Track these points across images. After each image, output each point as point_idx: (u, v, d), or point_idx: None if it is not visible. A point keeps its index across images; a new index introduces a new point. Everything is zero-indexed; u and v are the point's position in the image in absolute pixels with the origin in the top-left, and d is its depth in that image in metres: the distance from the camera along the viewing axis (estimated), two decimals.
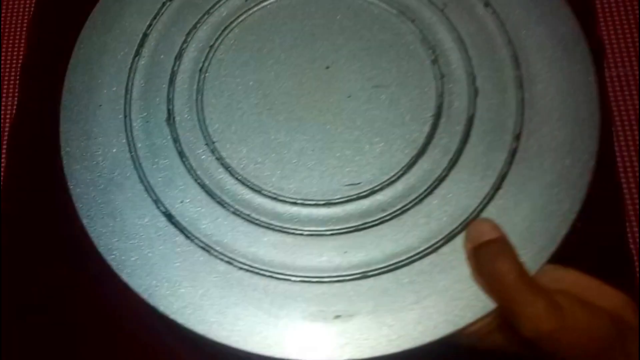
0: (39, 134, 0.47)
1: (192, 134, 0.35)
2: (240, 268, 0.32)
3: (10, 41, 0.51)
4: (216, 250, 0.32)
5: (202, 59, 0.37)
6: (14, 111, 0.49)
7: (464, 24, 0.36)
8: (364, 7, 0.37)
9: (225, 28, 0.37)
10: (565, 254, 0.43)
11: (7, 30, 0.52)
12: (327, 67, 0.36)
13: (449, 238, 0.32)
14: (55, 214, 0.45)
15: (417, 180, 0.33)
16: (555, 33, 0.36)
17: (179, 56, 0.37)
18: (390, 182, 0.33)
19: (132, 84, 0.37)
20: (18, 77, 0.50)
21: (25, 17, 0.52)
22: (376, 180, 0.33)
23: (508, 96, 0.34)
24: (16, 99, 0.49)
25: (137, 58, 0.37)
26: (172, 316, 0.31)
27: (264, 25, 0.37)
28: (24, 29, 0.51)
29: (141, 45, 0.37)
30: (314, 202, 0.33)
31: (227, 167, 0.34)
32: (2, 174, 0.47)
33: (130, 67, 0.37)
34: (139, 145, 0.35)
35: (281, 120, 0.35)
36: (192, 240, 0.33)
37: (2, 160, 0.48)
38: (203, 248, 0.32)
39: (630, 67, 0.46)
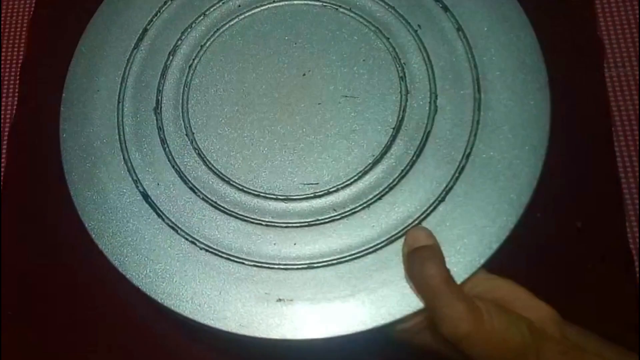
0: (39, 133, 0.47)
1: (174, 124, 0.39)
2: (202, 248, 0.36)
3: (10, 41, 0.51)
4: (182, 230, 0.36)
5: (193, 57, 0.40)
6: (14, 111, 0.49)
7: (434, 45, 0.39)
8: (345, 21, 0.41)
9: (217, 30, 0.41)
10: (566, 254, 0.43)
11: (7, 30, 0.52)
12: (304, 75, 0.39)
13: (390, 241, 0.35)
14: (55, 214, 0.45)
15: (369, 186, 0.36)
16: (519, 62, 0.38)
17: (172, 52, 0.41)
18: (345, 185, 0.36)
19: (128, 74, 0.40)
20: (18, 77, 0.50)
21: (25, 17, 0.52)
22: (332, 182, 0.37)
23: (465, 117, 0.37)
24: (16, 99, 0.49)
25: (135, 51, 0.41)
26: (138, 284, 0.35)
27: (252, 30, 0.41)
28: (24, 29, 0.51)
29: (140, 39, 0.41)
30: (274, 196, 0.37)
31: (202, 157, 0.38)
32: (2, 174, 0.47)
33: (129, 59, 0.41)
34: (127, 129, 0.39)
35: (255, 119, 0.38)
36: (162, 219, 0.37)
37: (2, 160, 0.48)
38: (171, 227, 0.36)
39: (630, 67, 0.46)
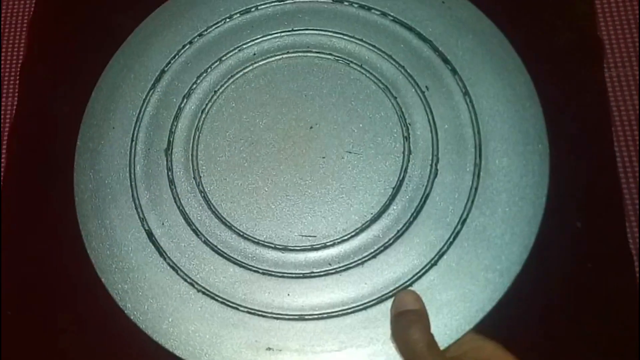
0: (39, 134, 0.47)
1: (184, 166, 0.40)
2: (199, 290, 0.37)
3: (10, 41, 0.51)
4: (182, 271, 0.37)
5: (206, 101, 0.41)
6: (14, 111, 0.49)
7: (440, 107, 0.40)
8: (355, 76, 0.41)
9: (232, 76, 0.42)
10: (566, 254, 0.43)
11: (7, 30, 0.52)
12: (311, 127, 0.40)
13: (380, 300, 0.35)
14: (55, 214, 0.45)
15: (364, 243, 0.37)
16: (522, 132, 0.38)
17: (187, 95, 0.42)
18: (342, 241, 0.37)
19: (143, 114, 0.41)
20: (18, 77, 0.50)
21: (25, 17, 0.52)
22: (329, 237, 0.37)
23: (464, 183, 0.38)
24: (16, 99, 0.49)
25: (151, 91, 0.42)
26: (135, 320, 0.36)
27: (265, 79, 0.42)
28: (24, 29, 0.51)
29: (157, 80, 0.42)
30: (272, 245, 0.38)
31: (207, 201, 0.39)
32: (2, 174, 0.47)
33: (145, 99, 0.42)
34: (138, 168, 0.40)
35: (261, 168, 0.39)
36: (164, 259, 0.38)
37: (2, 160, 0.48)
38: (172, 267, 0.37)
39: (630, 67, 0.46)
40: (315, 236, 0.38)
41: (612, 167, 0.44)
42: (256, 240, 0.38)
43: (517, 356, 0.34)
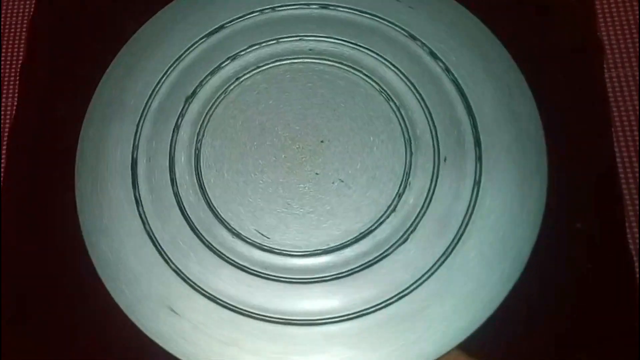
0: (39, 134, 0.47)
1: (186, 168, 0.40)
2: (199, 292, 0.38)
3: (10, 41, 0.51)
4: (182, 273, 0.38)
5: (209, 105, 0.42)
6: (14, 111, 0.49)
7: (440, 115, 0.40)
8: (361, 86, 0.42)
9: (236, 80, 0.42)
10: (565, 255, 0.43)
11: (7, 30, 0.52)
12: (322, 141, 0.41)
13: (375, 310, 0.37)
14: (55, 214, 0.44)
15: (357, 255, 0.38)
16: (519, 131, 0.40)
17: (190, 98, 0.42)
18: (337, 249, 0.38)
19: (146, 115, 0.42)
20: (18, 77, 0.50)
21: (25, 17, 0.52)
22: (322, 245, 0.38)
23: (463, 194, 0.39)
24: (16, 99, 0.49)
25: (155, 93, 0.42)
26: (133, 319, 0.38)
27: (269, 84, 0.42)
28: (24, 29, 0.51)
29: (161, 82, 0.42)
30: (274, 250, 0.39)
31: (208, 203, 0.40)
32: (2, 174, 0.47)
33: (147, 100, 0.42)
34: (140, 169, 0.41)
35: (263, 172, 0.40)
36: (165, 260, 0.39)
37: (2, 160, 0.48)
38: (173, 269, 0.38)
39: (630, 67, 0.46)
40: (321, 242, 0.39)
41: (612, 167, 0.44)
42: (259, 245, 0.39)
43: (517, 358, 0.34)
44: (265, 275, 0.38)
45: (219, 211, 0.40)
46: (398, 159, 0.40)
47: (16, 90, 0.49)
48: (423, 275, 0.37)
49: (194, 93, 0.42)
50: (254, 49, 0.43)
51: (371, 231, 0.38)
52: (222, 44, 0.43)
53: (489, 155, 0.39)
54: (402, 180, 0.39)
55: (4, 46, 0.51)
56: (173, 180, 0.40)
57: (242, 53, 0.43)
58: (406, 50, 0.42)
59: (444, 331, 0.36)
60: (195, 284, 0.38)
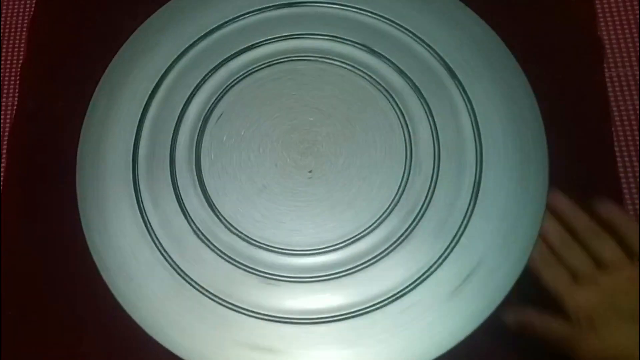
0: (38, 134, 0.47)
1: (186, 167, 0.40)
2: (199, 291, 0.38)
3: (10, 41, 0.51)
4: (183, 272, 0.38)
5: (210, 103, 0.42)
6: (14, 111, 0.49)
7: (441, 118, 0.41)
8: (361, 84, 0.42)
9: (236, 79, 0.42)
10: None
11: (7, 30, 0.52)
12: (322, 142, 0.41)
13: (371, 309, 0.37)
14: (55, 214, 0.45)
15: (355, 255, 0.38)
16: (520, 132, 0.40)
17: (190, 97, 0.42)
18: (335, 249, 0.38)
19: (146, 115, 0.42)
20: (18, 77, 0.50)
21: (25, 17, 0.52)
22: (320, 244, 0.39)
23: (462, 195, 0.39)
24: (16, 99, 0.49)
25: (155, 92, 0.42)
26: (134, 318, 0.37)
27: (269, 83, 0.42)
28: (24, 29, 0.51)
29: (161, 81, 0.42)
30: (274, 249, 0.39)
31: (209, 203, 0.40)
32: (2, 174, 0.47)
33: (148, 100, 0.42)
34: (140, 168, 0.41)
35: (263, 172, 0.40)
36: (165, 259, 0.39)
37: (2, 160, 0.48)
38: (173, 267, 0.38)
39: (630, 67, 0.46)
40: (305, 243, 0.39)
41: (612, 167, 0.44)
42: (258, 244, 0.39)
43: (517, 358, 0.34)
44: (263, 274, 0.38)
45: (219, 211, 0.39)
46: (398, 160, 0.39)
47: (16, 90, 0.49)
48: (421, 276, 0.37)
49: (193, 93, 0.42)
50: (253, 49, 0.43)
51: (370, 232, 0.38)
52: (221, 44, 0.43)
53: (489, 155, 0.39)
54: (402, 180, 0.39)
55: (4, 46, 0.51)
56: (173, 180, 0.40)
57: (242, 53, 0.43)
58: (409, 50, 0.42)
59: (443, 331, 0.36)
60: (195, 282, 0.38)
